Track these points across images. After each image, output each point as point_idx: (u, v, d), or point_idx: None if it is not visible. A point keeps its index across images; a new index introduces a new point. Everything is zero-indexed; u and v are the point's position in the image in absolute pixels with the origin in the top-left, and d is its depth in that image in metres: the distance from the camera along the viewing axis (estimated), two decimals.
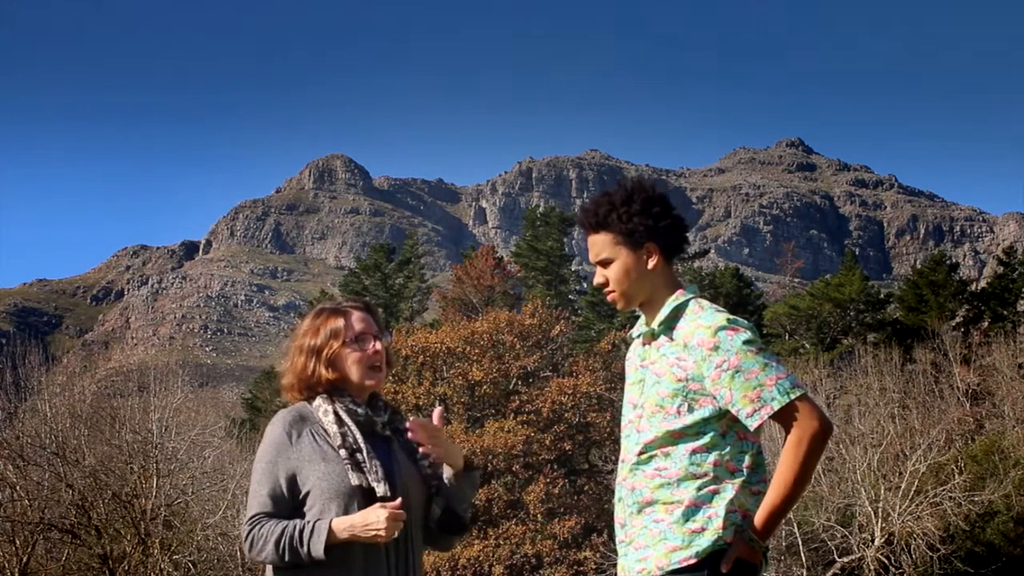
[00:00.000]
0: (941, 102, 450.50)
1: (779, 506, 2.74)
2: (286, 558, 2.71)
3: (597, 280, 3.01)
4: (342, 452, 2.79)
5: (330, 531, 2.70)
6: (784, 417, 2.74)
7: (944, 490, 20.87)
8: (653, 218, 2.90)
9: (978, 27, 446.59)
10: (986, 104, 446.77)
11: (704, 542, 2.75)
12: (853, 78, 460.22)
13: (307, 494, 2.79)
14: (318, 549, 2.69)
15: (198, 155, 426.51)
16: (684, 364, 2.81)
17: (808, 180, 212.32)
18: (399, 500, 2.76)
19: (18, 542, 16.96)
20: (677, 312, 2.89)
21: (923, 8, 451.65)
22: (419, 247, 53.03)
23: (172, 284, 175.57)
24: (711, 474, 2.79)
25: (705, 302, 2.90)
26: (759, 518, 2.75)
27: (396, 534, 2.74)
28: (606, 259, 2.96)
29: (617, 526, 2.97)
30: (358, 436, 2.84)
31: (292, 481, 2.79)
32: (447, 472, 2.99)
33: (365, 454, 2.81)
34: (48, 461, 18.01)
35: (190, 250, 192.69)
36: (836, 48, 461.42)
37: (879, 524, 20.59)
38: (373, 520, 2.71)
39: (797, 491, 2.74)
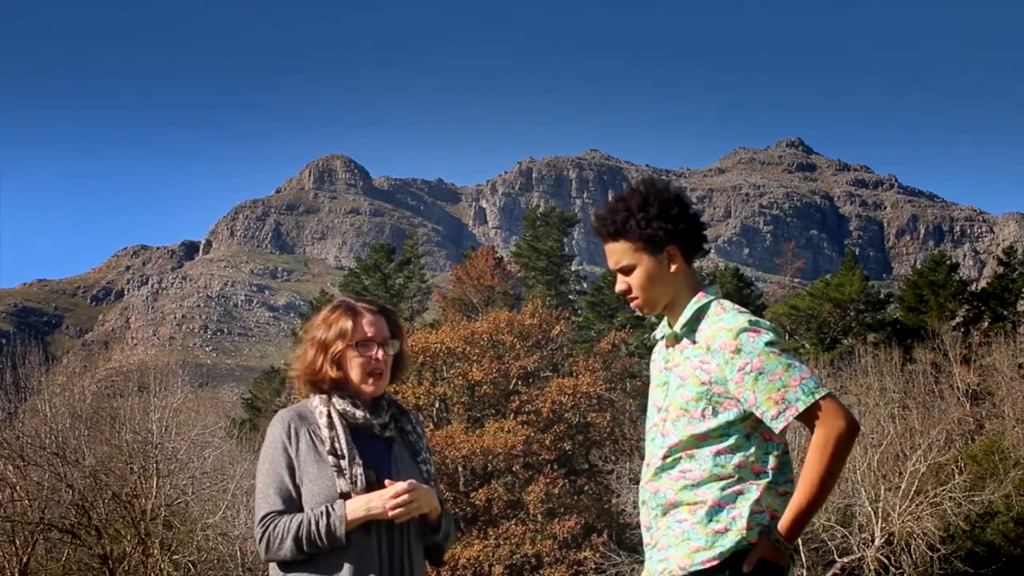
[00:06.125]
0: (941, 102, 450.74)
1: (805, 507, 2.69)
2: (305, 549, 2.74)
3: (619, 287, 2.96)
4: (331, 458, 2.81)
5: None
6: (810, 417, 2.70)
7: (944, 490, 20.85)
8: (672, 221, 2.85)
9: (978, 27, 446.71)
10: (986, 104, 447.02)
11: (727, 543, 2.72)
12: (853, 78, 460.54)
13: (301, 495, 2.82)
14: (342, 532, 2.74)
15: (198, 155, 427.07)
16: (707, 367, 2.78)
17: (808, 180, 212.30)
18: (399, 484, 2.79)
19: (18, 542, 16.96)
20: (699, 314, 2.86)
21: (923, 8, 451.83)
22: (419, 247, 52.95)
23: (172, 284, 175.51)
24: (735, 475, 2.76)
25: (727, 303, 2.86)
26: (785, 519, 2.71)
27: (408, 512, 2.79)
28: (627, 266, 2.90)
29: (643, 529, 2.94)
30: (342, 442, 2.83)
31: (295, 477, 2.82)
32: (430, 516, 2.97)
33: (348, 461, 2.81)
34: (48, 461, 17.99)
35: (190, 250, 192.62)
36: (836, 48, 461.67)
37: (879, 524, 20.58)
38: (392, 494, 2.79)
39: (824, 492, 2.69)
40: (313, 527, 2.73)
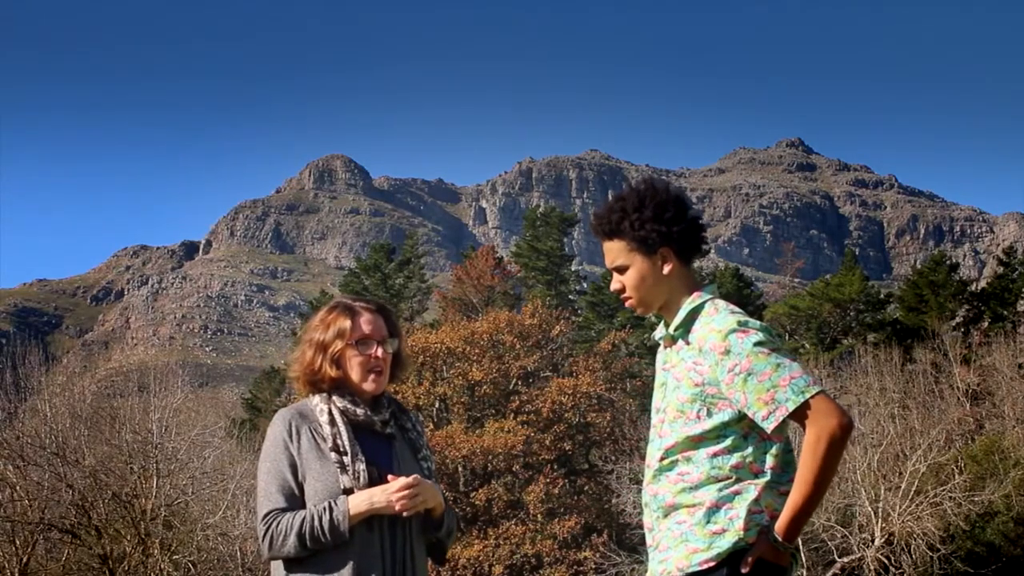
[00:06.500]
0: (941, 102, 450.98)
1: (801, 507, 2.67)
2: (308, 545, 2.74)
3: (614, 286, 2.97)
4: (333, 454, 2.81)
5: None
6: (801, 416, 2.67)
7: (944, 490, 20.86)
8: (666, 223, 2.85)
9: (978, 26, 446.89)
10: (986, 104, 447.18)
11: (724, 543, 2.71)
12: (853, 78, 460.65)
13: (304, 492, 2.82)
14: (346, 527, 2.74)
15: (198, 155, 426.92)
16: (700, 368, 2.78)
17: (808, 180, 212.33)
18: (402, 479, 2.79)
19: (18, 542, 16.96)
20: (693, 315, 2.86)
21: (923, 7, 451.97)
22: (419, 247, 52.97)
23: (172, 284, 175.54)
24: (732, 476, 2.75)
25: (721, 303, 2.86)
26: (782, 520, 2.69)
27: (414, 506, 2.80)
28: (621, 266, 2.92)
29: (646, 531, 2.95)
30: (345, 439, 2.84)
31: (296, 475, 2.82)
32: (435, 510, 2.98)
33: (350, 457, 2.81)
34: (48, 461, 18.00)
35: (190, 250, 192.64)
36: (836, 48, 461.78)
37: (879, 524, 20.59)
38: (394, 488, 2.79)
39: (819, 491, 2.67)
40: (316, 523, 2.73)
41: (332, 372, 2.91)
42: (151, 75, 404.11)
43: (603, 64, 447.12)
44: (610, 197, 3.00)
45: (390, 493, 2.77)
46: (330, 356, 2.92)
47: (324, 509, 2.75)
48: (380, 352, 2.94)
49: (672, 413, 2.84)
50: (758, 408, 2.70)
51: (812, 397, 2.67)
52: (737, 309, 2.83)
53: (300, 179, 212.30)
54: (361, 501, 2.76)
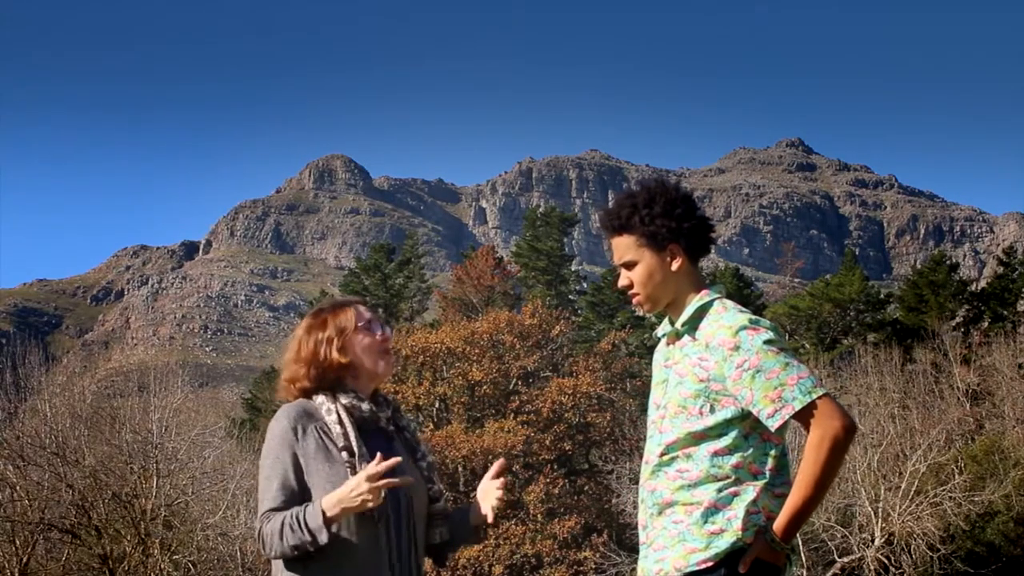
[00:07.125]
0: (941, 102, 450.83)
1: (800, 507, 2.69)
2: (289, 543, 2.65)
3: (621, 282, 2.99)
4: (344, 455, 2.76)
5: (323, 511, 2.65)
6: (806, 417, 2.70)
7: (944, 490, 20.88)
8: (676, 219, 2.88)
9: (979, 27, 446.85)
10: (986, 104, 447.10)
11: (723, 544, 2.72)
12: (853, 78, 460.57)
13: (309, 493, 2.76)
14: (316, 522, 2.62)
15: (198, 155, 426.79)
16: (706, 364, 2.79)
17: (808, 180, 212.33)
18: (379, 465, 2.66)
19: (18, 542, 16.97)
20: (701, 312, 2.88)
21: (923, 7, 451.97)
22: (419, 247, 52.98)
23: (172, 284, 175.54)
24: (732, 476, 2.76)
25: (729, 302, 2.88)
26: (780, 519, 2.71)
27: (384, 495, 2.67)
28: (630, 261, 2.93)
29: (639, 528, 2.96)
30: (352, 440, 2.79)
31: (300, 475, 2.75)
32: (475, 516, 2.99)
33: (357, 459, 2.76)
34: (48, 461, 18.01)
35: (190, 250, 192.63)
36: (836, 48, 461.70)
37: (879, 524, 20.60)
38: (355, 486, 2.64)
39: (819, 492, 2.69)
40: (293, 524, 2.66)
41: (341, 358, 2.86)
42: (151, 75, 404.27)
43: (603, 64, 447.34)
44: (612, 197, 3.02)
45: (357, 493, 2.64)
46: (337, 346, 2.88)
47: (301, 509, 2.65)
48: (388, 332, 2.94)
49: (673, 409, 2.85)
50: (764, 405, 2.71)
51: (818, 399, 2.70)
52: (745, 309, 2.86)
53: (300, 179, 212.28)
54: (332, 505, 2.65)
